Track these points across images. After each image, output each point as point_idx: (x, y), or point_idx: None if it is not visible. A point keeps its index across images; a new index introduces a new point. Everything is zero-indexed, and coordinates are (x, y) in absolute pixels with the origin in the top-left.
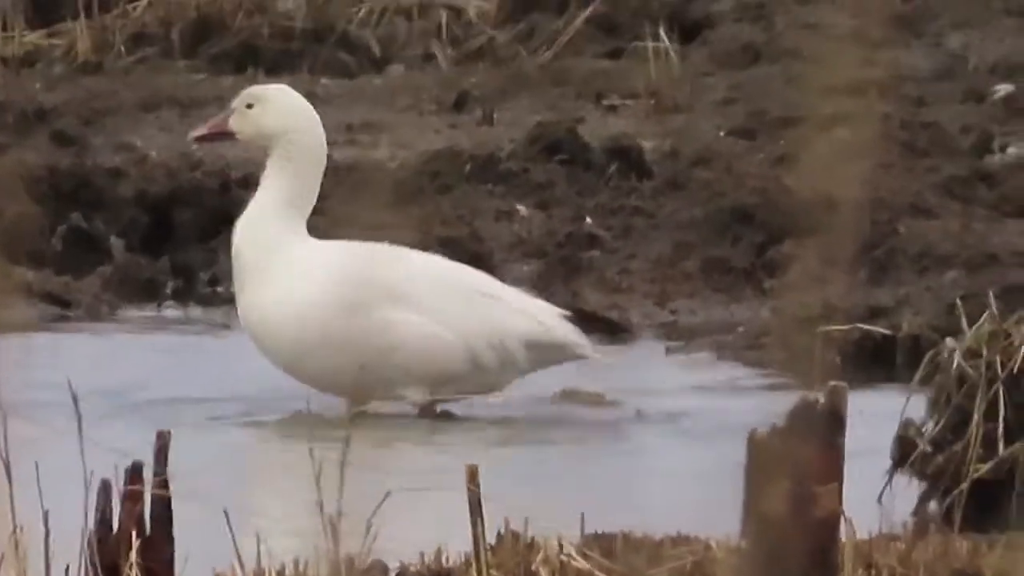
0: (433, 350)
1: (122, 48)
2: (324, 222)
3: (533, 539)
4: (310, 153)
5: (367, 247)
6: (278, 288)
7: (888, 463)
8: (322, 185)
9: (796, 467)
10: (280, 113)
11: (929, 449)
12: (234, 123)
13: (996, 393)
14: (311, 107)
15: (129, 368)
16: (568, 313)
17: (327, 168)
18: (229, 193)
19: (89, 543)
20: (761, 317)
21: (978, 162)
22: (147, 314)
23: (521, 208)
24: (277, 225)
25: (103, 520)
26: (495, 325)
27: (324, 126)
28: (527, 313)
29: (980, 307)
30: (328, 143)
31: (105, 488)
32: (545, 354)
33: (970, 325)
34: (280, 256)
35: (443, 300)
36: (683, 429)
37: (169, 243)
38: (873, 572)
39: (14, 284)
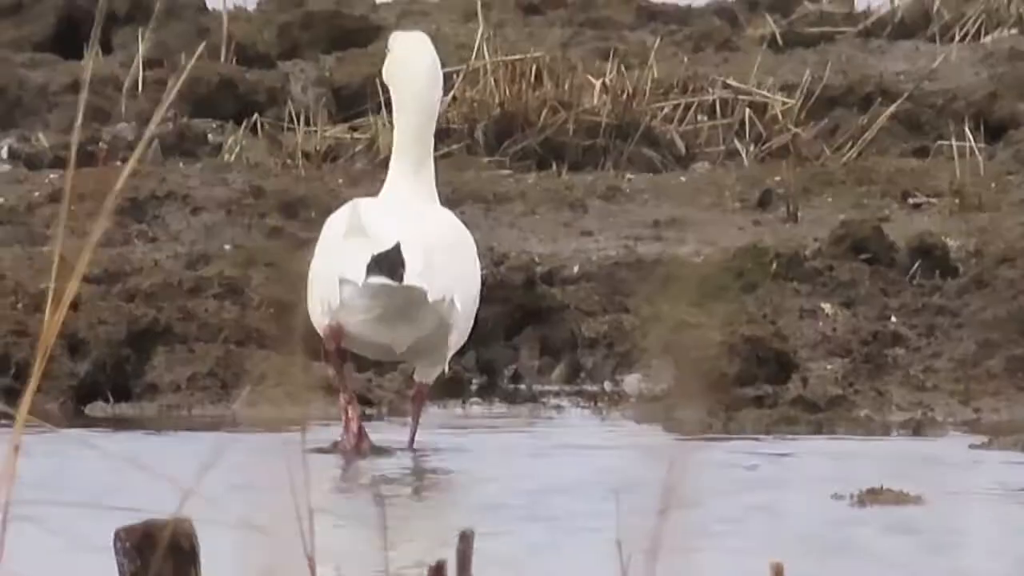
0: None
1: None
2: (630, 318)
3: None
4: (409, 101)
5: (375, 201)
6: None
7: None
8: (627, 280)
9: None
10: (392, 59)
11: None
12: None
13: None
14: (425, 54)
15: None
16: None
17: (632, 263)
18: (534, 288)
19: None
20: None
21: None
22: (452, 411)
23: (826, 307)
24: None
25: None
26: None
27: (629, 222)
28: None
29: None
30: (633, 239)
31: None
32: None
33: None
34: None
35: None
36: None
37: (473, 339)
38: None
39: (315, 380)
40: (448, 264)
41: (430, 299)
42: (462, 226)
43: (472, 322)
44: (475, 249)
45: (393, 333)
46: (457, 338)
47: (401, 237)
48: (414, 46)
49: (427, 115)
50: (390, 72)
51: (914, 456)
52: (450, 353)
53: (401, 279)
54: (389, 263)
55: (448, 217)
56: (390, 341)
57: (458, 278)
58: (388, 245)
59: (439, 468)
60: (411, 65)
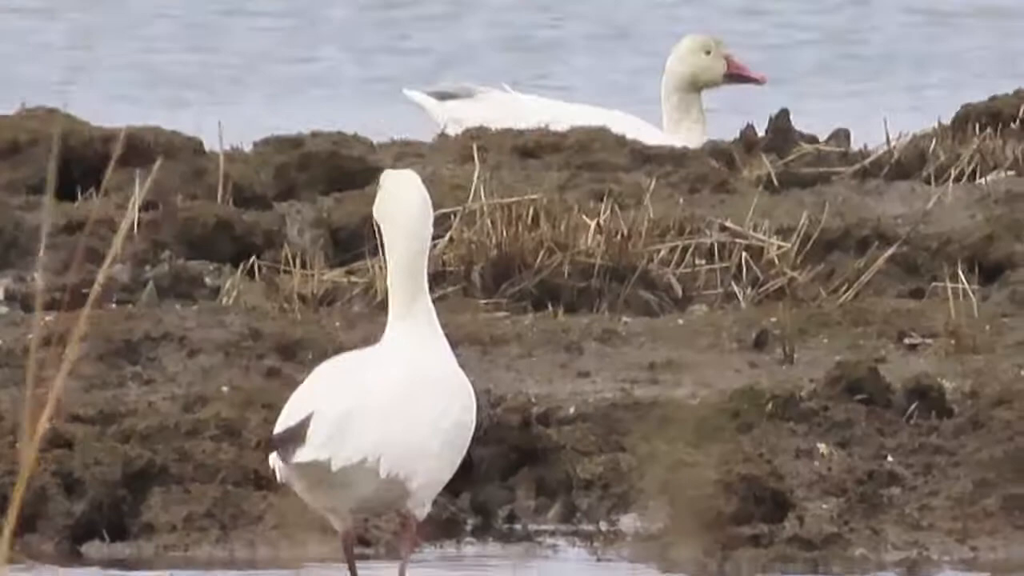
0: None
1: None
2: (626, 459)
3: None
4: (400, 238)
5: (349, 356)
6: None
7: None
8: (623, 421)
9: None
10: (383, 196)
11: None
12: None
13: None
14: (414, 189)
15: None
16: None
17: (628, 405)
18: (530, 429)
19: None
20: None
21: None
22: (447, 551)
23: (821, 447)
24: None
25: None
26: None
27: (626, 364)
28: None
29: None
30: (630, 381)
31: None
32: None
33: None
34: None
35: None
36: None
37: (468, 481)
38: None
39: (312, 522)
40: (381, 421)
41: (334, 468)
42: (438, 365)
43: (447, 465)
44: (452, 385)
45: (334, 500)
46: (422, 486)
47: (318, 406)
48: (404, 182)
49: (418, 250)
50: (381, 209)
51: None
52: (428, 497)
53: (291, 457)
54: (288, 441)
55: (417, 359)
56: (336, 504)
57: (399, 432)
58: (294, 421)
59: None
60: (401, 201)
